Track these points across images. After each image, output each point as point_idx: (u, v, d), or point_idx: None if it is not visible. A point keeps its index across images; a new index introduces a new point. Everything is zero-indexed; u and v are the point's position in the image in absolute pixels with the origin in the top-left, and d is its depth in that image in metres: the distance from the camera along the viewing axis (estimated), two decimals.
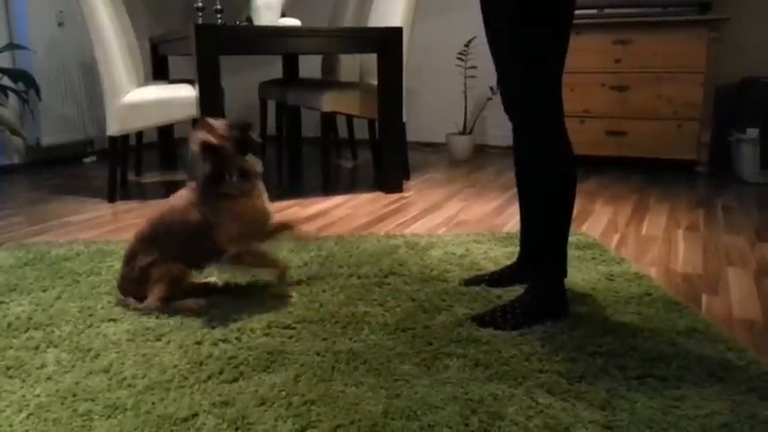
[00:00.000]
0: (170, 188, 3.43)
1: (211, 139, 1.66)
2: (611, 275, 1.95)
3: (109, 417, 1.22)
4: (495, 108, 4.46)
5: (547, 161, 1.59)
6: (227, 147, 1.70)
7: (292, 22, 3.18)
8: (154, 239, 1.73)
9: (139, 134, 3.77)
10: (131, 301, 1.75)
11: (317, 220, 2.70)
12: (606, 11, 3.69)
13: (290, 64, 4.31)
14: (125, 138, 3.40)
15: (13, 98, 3.72)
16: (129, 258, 1.74)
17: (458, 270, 2.02)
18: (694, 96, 3.55)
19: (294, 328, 1.60)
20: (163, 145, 4.12)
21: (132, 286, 1.74)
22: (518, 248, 1.94)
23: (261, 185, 1.80)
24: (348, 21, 4.09)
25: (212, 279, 1.94)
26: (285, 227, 1.92)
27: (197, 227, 1.71)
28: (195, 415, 1.22)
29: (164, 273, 1.70)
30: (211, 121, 1.73)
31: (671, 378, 1.34)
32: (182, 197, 1.75)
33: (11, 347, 1.52)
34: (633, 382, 1.33)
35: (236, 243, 1.71)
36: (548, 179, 1.59)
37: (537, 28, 1.50)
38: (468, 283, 1.90)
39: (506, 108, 1.74)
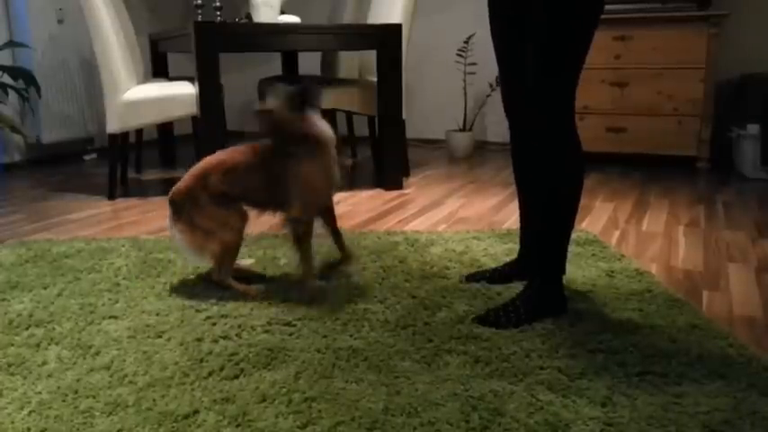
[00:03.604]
0: (170, 186, 3.43)
1: (266, 106, 1.77)
2: (612, 272, 1.95)
3: (110, 414, 1.22)
4: (495, 105, 4.45)
5: (558, 161, 1.58)
6: (282, 113, 1.76)
7: (291, 19, 3.18)
8: (231, 171, 1.78)
9: (139, 132, 3.77)
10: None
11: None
12: (606, 7, 3.67)
13: (290, 61, 4.31)
14: (125, 135, 3.40)
15: (13, 96, 3.72)
16: (202, 175, 1.79)
17: (458, 267, 2.02)
18: (694, 92, 3.54)
19: (294, 326, 1.61)
20: (163, 142, 4.12)
21: (189, 202, 1.79)
22: (518, 245, 1.93)
23: (329, 150, 1.80)
24: (347, 18, 4.08)
25: (249, 261, 2.05)
26: (346, 255, 2.00)
27: (269, 171, 1.79)
28: (196, 412, 1.23)
29: (230, 221, 1.78)
30: (282, 87, 1.80)
31: (671, 375, 1.34)
32: (250, 149, 1.83)
33: (12, 344, 1.52)
34: (634, 378, 1.33)
35: (295, 207, 1.78)
36: (557, 179, 1.59)
37: (567, 33, 1.49)
38: (469, 278, 1.90)
39: (506, 107, 1.74)
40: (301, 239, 1.79)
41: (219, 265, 1.81)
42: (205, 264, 1.87)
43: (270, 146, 1.80)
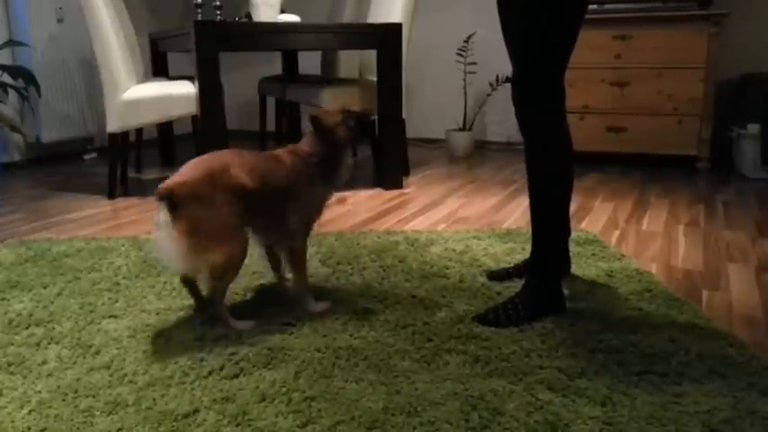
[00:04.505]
0: None
1: (325, 118, 1.66)
2: (612, 272, 1.95)
3: (110, 413, 1.22)
4: (495, 104, 4.45)
5: (544, 155, 1.59)
6: (341, 132, 1.68)
7: (291, 18, 3.18)
8: (255, 171, 1.56)
9: (139, 131, 3.77)
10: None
11: None
12: (606, 6, 3.69)
13: (290, 60, 4.31)
14: (125, 135, 3.40)
15: (13, 95, 3.72)
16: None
17: (458, 266, 2.02)
18: (695, 92, 3.54)
19: (294, 325, 1.61)
20: (163, 142, 4.12)
21: (194, 198, 1.48)
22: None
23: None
24: (347, 17, 4.08)
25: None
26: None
27: (286, 187, 1.61)
28: (196, 411, 1.23)
29: (241, 229, 1.54)
30: (328, 109, 1.71)
31: (671, 374, 1.34)
32: (287, 154, 1.66)
33: (12, 344, 1.52)
34: (633, 378, 1.33)
35: (299, 234, 1.67)
36: (545, 174, 1.59)
37: (547, 29, 1.49)
38: (492, 277, 1.90)
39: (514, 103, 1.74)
40: (296, 267, 1.68)
41: (215, 284, 1.52)
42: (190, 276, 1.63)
43: (303, 159, 1.65)
